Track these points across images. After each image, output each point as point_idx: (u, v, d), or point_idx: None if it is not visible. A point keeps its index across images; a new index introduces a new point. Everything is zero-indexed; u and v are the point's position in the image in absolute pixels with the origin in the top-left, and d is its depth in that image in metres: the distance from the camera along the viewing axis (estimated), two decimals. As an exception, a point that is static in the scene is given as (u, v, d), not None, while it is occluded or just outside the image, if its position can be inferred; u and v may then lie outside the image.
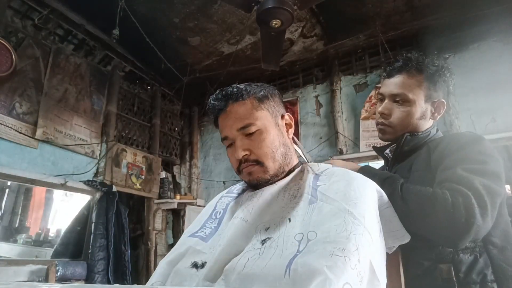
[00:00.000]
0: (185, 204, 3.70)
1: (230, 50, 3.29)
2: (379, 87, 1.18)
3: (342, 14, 2.92)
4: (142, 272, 3.36)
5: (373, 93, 3.13)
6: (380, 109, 1.09)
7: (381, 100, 1.11)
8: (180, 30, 3.04)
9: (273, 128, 0.82)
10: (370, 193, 0.72)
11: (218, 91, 0.85)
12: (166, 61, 3.26)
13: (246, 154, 0.80)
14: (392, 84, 1.07)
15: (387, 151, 1.13)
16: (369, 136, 3.08)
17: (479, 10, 2.69)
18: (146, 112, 3.75)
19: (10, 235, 3.45)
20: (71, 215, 3.05)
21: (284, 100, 0.94)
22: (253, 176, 0.81)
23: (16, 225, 3.61)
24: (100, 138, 3.11)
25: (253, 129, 0.79)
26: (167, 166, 4.01)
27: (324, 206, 0.68)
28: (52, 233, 3.52)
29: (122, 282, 2.83)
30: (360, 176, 0.77)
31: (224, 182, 3.85)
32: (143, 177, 3.42)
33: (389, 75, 1.09)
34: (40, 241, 3.37)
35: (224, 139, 0.84)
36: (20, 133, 2.46)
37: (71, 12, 2.86)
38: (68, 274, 2.52)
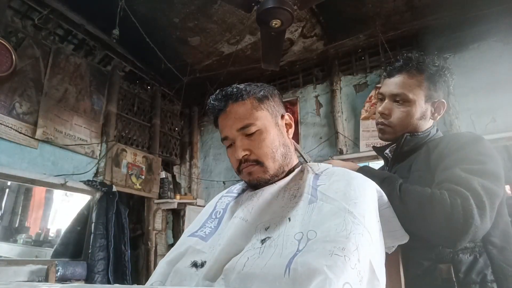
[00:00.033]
0: (185, 204, 3.70)
1: (230, 50, 3.29)
2: (379, 87, 1.19)
3: (342, 14, 2.92)
4: (142, 272, 3.36)
5: (373, 93, 3.13)
6: (380, 109, 1.09)
7: (381, 100, 1.11)
8: (180, 30, 3.04)
9: (273, 128, 0.83)
10: (370, 193, 0.72)
11: (218, 91, 0.85)
12: (166, 61, 3.27)
13: (246, 154, 0.80)
14: (393, 84, 1.07)
15: (387, 151, 1.13)
16: (369, 136, 3.08)
17: (479, 10, 2.69)
18: (146, 112, 3.75)
19: (10, 235, 3.45)
20: (71, 215, 3.05)
21: (284, 100, 0.94)
22: (253, 176, 0.81)
23: (16, 225, 3.61)
24: (100, 138, 3.11)
25: (253, 129, 0.79)
26: (167, 166, 4.01)
27: (324, 206, 0.68)
28: (52, 233, 3.52)
29: (122, 282, 2.83)
30: (360, 175, 0.77)
31: (224, 182, 3.85)
32: (143, 177, 3.42)
33: (390, 75, 1.09)
34: (40, 241, 3.37)
35: (224, 139, 0.84)
36: (20, 133, 2.46)
37: (71, 12, 2.86)
38: (68, 274, 2.52)
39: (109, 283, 2.68)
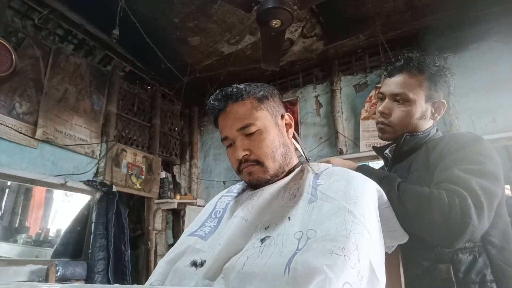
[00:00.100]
0: (185, 204, 3.70)
1: (230, 50, 3.29)
2: (379, 87, 1.19)
3: (342, 14, 2.92)
4: (142, 272, 3.36)
5: (373, 93, 3.13)
6: (380, 108, 1.09)
7: (382, 99, 1.11)
8: (180, 30, 3.04)
9: (273, 128, 0.83)
10: (370, 192, 0.72)
11: (217, 91, 0.85)
12: (166, 61, 3.27)
13: (246, 154, 0.80)
14: (393, 84, 1.07)
15: (387, 151, 1.13)
16: (369, 136, 3.08)
17: (479, 10, 2.69)
18: (146, 112, 3.75)
19: (10, 235, 3.45)
20: (71, 215, 3.05)
21: (284, 100, 0.94)
22: (253, 176, 0.81)
23: (16, 225, 3.61)
24: (100, 138, 3.12)
25: (253, 129, 0.80)
26: (167, 166, 4.01)
27: (324, 205, 0.68)
28: (52, 233, 3.52)
29: (122, 282, 2.83)
30: (360, 175, 0.77)
31: (224, 182, 3.85)
32: (143, 177, 3.42)
33: (390, 75, 1.09)
34: (40, 241, 3.37)
35: (224, 139, 0.84)
36: (20, 133, 2.46)
37: (71, 12, 2.86)
38: (68, 274, 2.52)
39: (109, 283, 2.68)
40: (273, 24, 1.90)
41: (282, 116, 0.87)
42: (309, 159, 0.95)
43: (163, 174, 3.70)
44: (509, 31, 2.70)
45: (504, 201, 0.90)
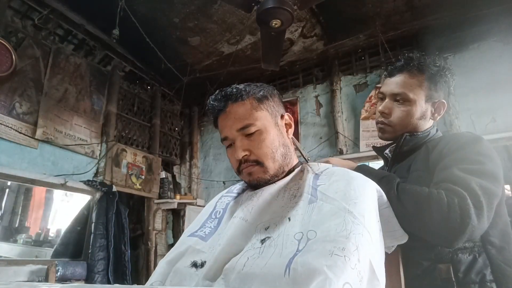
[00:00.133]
0: (185, 204, 3.70)
1: (230, 50, 3.29)
2: (379, 87, 1.19)
3: (342, 14, 2.92)
4: (142, 272, 3.36)
5: (373, 93, 3.13)
6: (380, 108, 1.09)
7: (382, 99, 1.11)
8: (180, 30, 3.04)
9: (272, 128, 0.83)
10: (370, 193, 0.72)
11: (217, 91, 0.85)
12: (166, 61, 3.27)
13: (246, 155, 0.80)
14: (393, 83, 1.07)
15: (387, 151, 1.13)
16: (369, 136, 3.08)
17: (479, 10, 2.69)
18: (146, 112, 3.75)
19: (10, 235, 3.45)
20: (71, 215, 3.05)
21: (284, 100, 0.95)
22: (253, 176, 0.81)
23: (16, 225, 3.61)
24: (100, 138, 3.12)
25: (252, 129, 0.80)
26: (167, 166, 4.01)
27: (324, 206, 0.68)
28: (52, 233, 3.52)
29: (122, 282, 2.83)
30: (360, 175, 0.77)
31: (224, 182, 3.85)
32: (143, 177, 3.42)
33: (390, 74, 1.09)
34: (40, 241, 3.37)
35: (224, 139, 0.84)
36: (20, 133, 2.46)
37: (71, 12, 2.86)
38: (68, 274, 2.52)
39: (109, 283, 2.68)
40: (273, 24, 1.90)
41: (282, 116, 0.87)
42: (308, 159, 0.95)
43: (163, 174, 3.71)
44: (509, 31, 2.70)
45: (504, 201, 0.91)
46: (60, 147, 2.74)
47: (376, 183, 0.78)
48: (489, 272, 0.84)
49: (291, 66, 3.68)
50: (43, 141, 2.61)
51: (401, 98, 1.05)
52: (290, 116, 0.90)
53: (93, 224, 2.78)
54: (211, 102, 0.84)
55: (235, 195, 0.89)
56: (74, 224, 2.96)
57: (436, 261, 0.88)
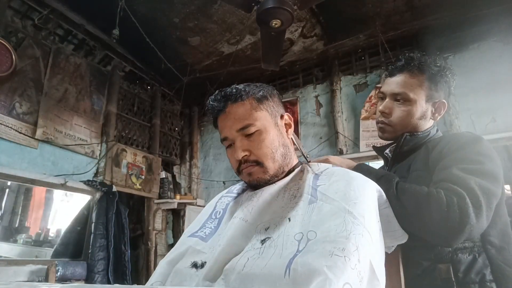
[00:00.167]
0: (185, 204, 3.70)
1: (230, 50, 3.29)
2: (379, 87, 1.19)
3: (342, 14, 2.92)
4: (142, 272, 3.36)
5: (373, 93, 3.13)
6: (380, 107, 1.09)
7: (382, 98, 1.11)
8: (180, 30, 3.04)
9: (272, 128, 0.82)
10: (370, 193, 0.72)
11: (217, 92, 0.85)
12: (166, 61, 3.27)
13: (245, 155, 0.80)
14: (394, 83, 1.07)
15: (387, 151, 1.13)
16: (369, 136, 3.08)
17: (479, 10, 2.69)
18: (146, 112, 3.75)
19: (10, 235, 3.45)
20: (71, 215, 3.05)
21: (284, 100, 0.95)
22: (253, 176, 0.81)
23: (16, 225, 3.61)
24: (100, 138, 3.12)
25: (252, 129, 0.79)
26: (167, 166, 4.01)
27: (324, 206, 0.68)
28: (52, 233, 3.52)
29: (122, 282, 2.83)
30: (360, 175, 0.77)
31: (224, 182, 3.85)
32: (143, 177, 3.42)
33: (391, 74, 1.09)
34: (40, 241, 3.37)
35: (223, 139, 0.84)
36: (20, 133, 2.46)
37: (71, 12, 2.86)
38: (68, 274, 2.52)
39: (109, 283, 2.68)
40: (273, 24, 1.90)
41: (282, 116, 0.87)
42: (308, 156, 0.95)
43: (163, 174, 3.71)
44: (509, 31, 2.70)
45: (503, 201, 0.91)
46: (60, 147, 2.74)
47: (375, 182, 0.78)
48: (489, 272, 0.84)
49: (291, 66, 3.68)
50: (43, 141, 2.61)
51: (401, 98, 1.05)
52: (290, 116, 0.90)
53: (93, 224, 2.78)
54: (211, 103, 0.84)
55: (235, 195, 0.89)
56: (74, 224, 2.96)
57: (436, 261, 0.88)
